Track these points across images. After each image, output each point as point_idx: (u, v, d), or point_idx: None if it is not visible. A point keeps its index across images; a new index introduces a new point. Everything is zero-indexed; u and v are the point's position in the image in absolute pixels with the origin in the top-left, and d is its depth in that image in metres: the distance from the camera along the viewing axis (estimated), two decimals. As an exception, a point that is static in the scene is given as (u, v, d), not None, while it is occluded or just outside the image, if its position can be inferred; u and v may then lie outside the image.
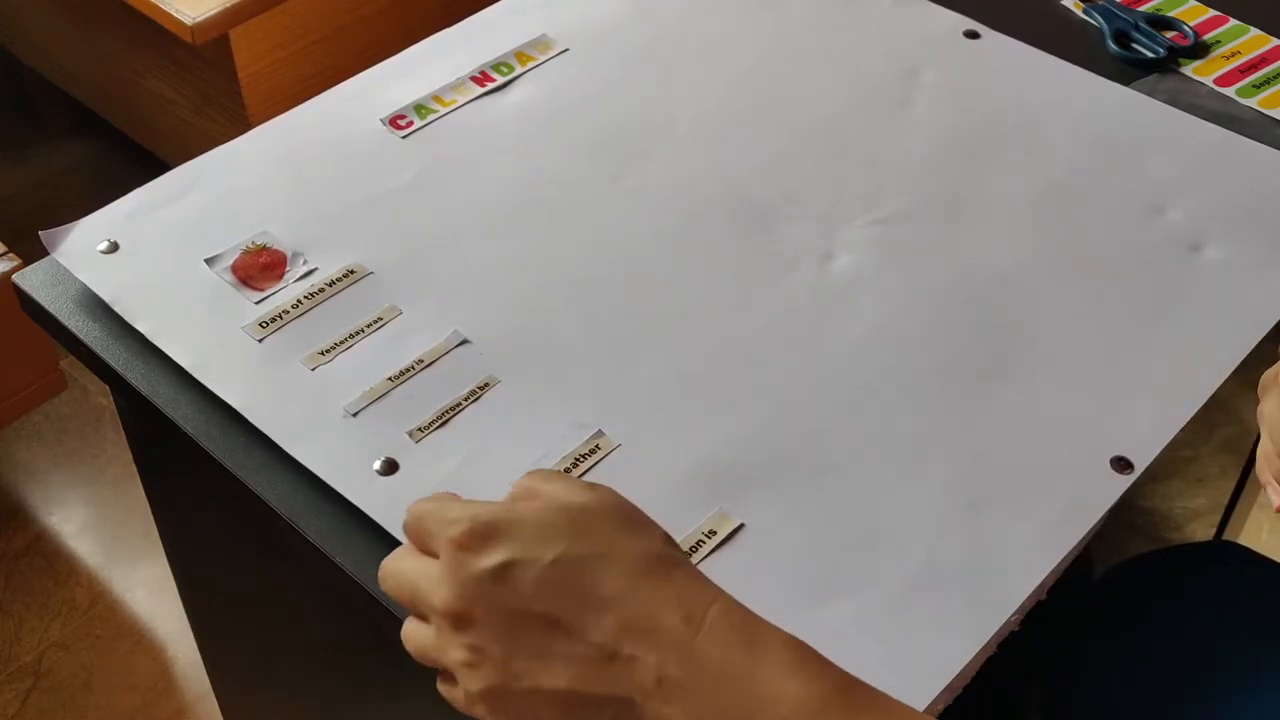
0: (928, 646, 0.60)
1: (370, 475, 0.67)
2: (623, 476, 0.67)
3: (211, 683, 1.09)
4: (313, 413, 0.70)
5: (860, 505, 0.66)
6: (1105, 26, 0.96)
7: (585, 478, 0.67)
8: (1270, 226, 0.81)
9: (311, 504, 0.66)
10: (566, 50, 0.93)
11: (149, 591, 1.53)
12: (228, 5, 1.45)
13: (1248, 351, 0.74)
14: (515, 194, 0.83)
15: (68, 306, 0.76)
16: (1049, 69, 0.93)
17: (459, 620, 0.48)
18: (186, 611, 0.99)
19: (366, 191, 0.83)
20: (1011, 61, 0.93)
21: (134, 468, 0.89)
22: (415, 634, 0.51)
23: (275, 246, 0.79)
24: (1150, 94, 0.91)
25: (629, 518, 0.51)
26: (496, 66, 0.92)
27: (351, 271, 0.77)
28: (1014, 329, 0.75)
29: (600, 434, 0.69)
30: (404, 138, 0.86)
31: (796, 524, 0.65)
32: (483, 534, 0.48)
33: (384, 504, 0.65)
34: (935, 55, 0.93)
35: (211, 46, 1.48)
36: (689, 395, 0.71)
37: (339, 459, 0.67)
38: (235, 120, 1.59)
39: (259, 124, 0.88)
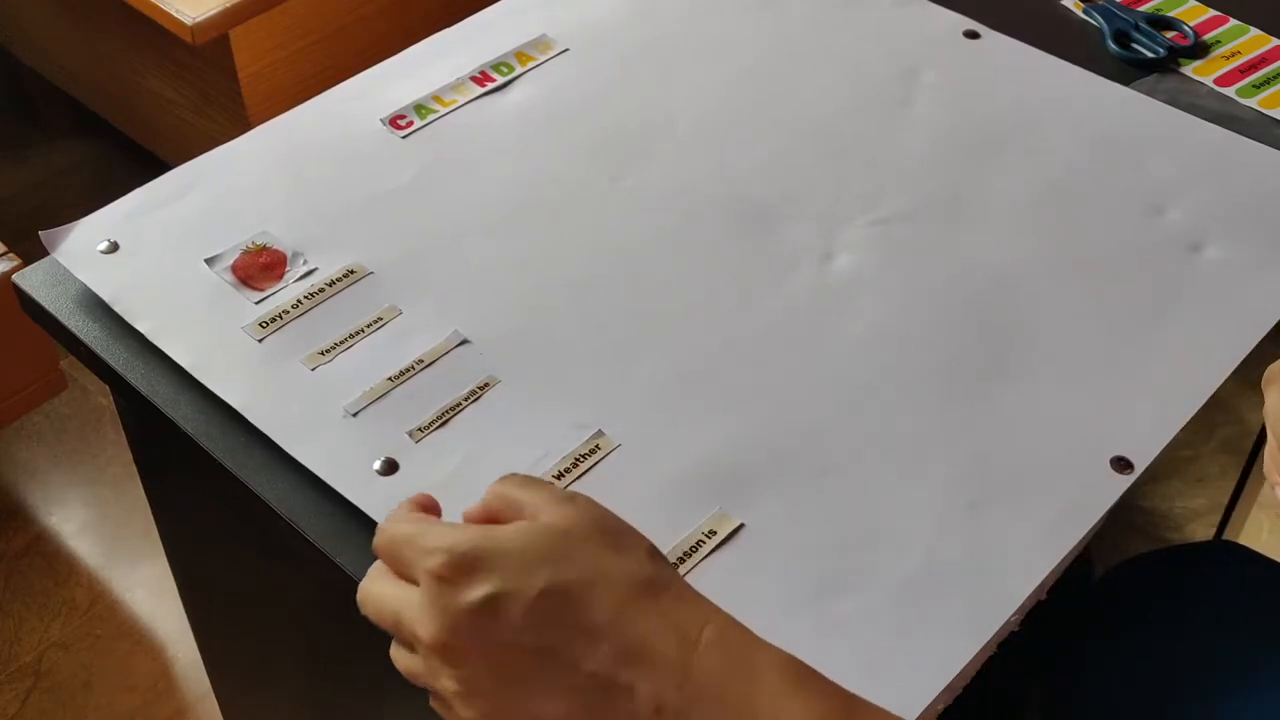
0: (928, 646, 0.60)
1: (370, 475, 0.67)
2: (623, 476, 0.67)
3: (211, 683, 1.09)
4: (313, 413, 0.70)
5: (860, 505, 0.66)
6: (1105, 26, 0.96)
7: (585, 478, 0.67)
8: (1270, 226, 0.81)
9: (311, 504, 0.66)
10: (566, 50, 0.93)
11: (149, 591, 1.53)
12: (228, 5, 1.45)
13: (1248, 351, 0.74)
14: (515, 194, 0.83)
15: (68, 306, 0.76)
16: (1049, 69, 0.93)
17: (447, 654, 0.47)
18: (186, 611, 0.99)
19: (366, 191, 0.83)
20: (1011, 61, 0.93)
21: (134, 468, 0.89)
22: (404, 660, 0.50)
23: (275, 246, 0.79)
24: (1150, 94, 0.91)
25: (613, 533, 0.50)
26: (496, 66, 0.92)
27: (351, 271, 0.77)
28: (1014, 329, 0.75)
29: (600, 434, 0.69)
30: (404, 138, 0.86)
31: (796, 524, 0.65)
32: (464, 566, 0.47)
33: (384, 504, 0.65)
34: (935, 55, 0.93)
35: (211, 46, 1.48)
36: (689, 395, 0.71)
37: (339, 459, 0.67)
38: (235, 120, 1.59)
39: (259, 124, 0.88)
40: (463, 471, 0.67)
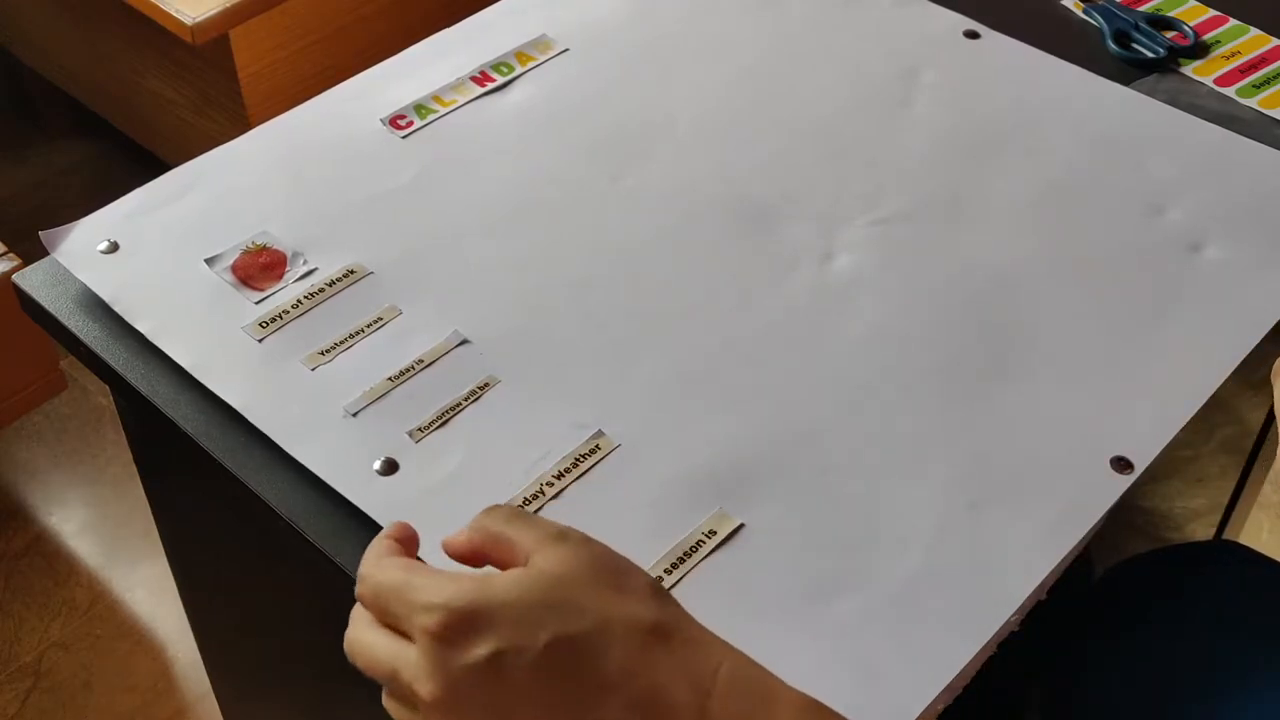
0: (928, 646, 0.60)
1: (370, 475, 0.67)
2: (623, 476, 0.67)
3: (211, 683, 1.09)
4: (313, 413, 0.70)
5: (860, 505, 0.66)
6: (1105, 26, 0.96)
7: (585, 478, 0.67)
8: (1270, 226, 0.81)
9: (311, 504, 0.66)
10: (566, 50, 0.93)
11: (149, 591, 1.53)
12: (228, 5, 1.45)
13: (1248, 351, 0.73)
14: (515, 194, 0.83)
15: (68, 306, 0.76)
16: (1049, 69, 0.93)
17: (450, 713, 0.45)
18: (186, 611, 0.99)
19: (366, 191, 0.83)
20: (1011, 61, 0.93)
21: (134, 468, 0.89)
22: (401, 713, 0.48)
23: (275, 246, 0.79)
24: (1150, 94, 0.91)
25: (613, 573, 0.48)
26: (496, 66, 0.92)
27: (351, 271, 0.77)
28: (1014, 329, 0.75)
29: (600, 434, 0.69)
30: (404, 138, 0.86)
31: (796, 524, 0.65)
32: (463, 624, 0.45)
33: (384, 504, 0.65)
34: (935, 55, 0.93)
35: (211, 46, 1.49)
36: (689, 395, 0.71)
37: (339, 459, 0.67)
38: (235, 120, 1.59)
39: (259, 124, 0.88)
40: (463, 471, 0.67)
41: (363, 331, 0.74)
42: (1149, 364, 0.73)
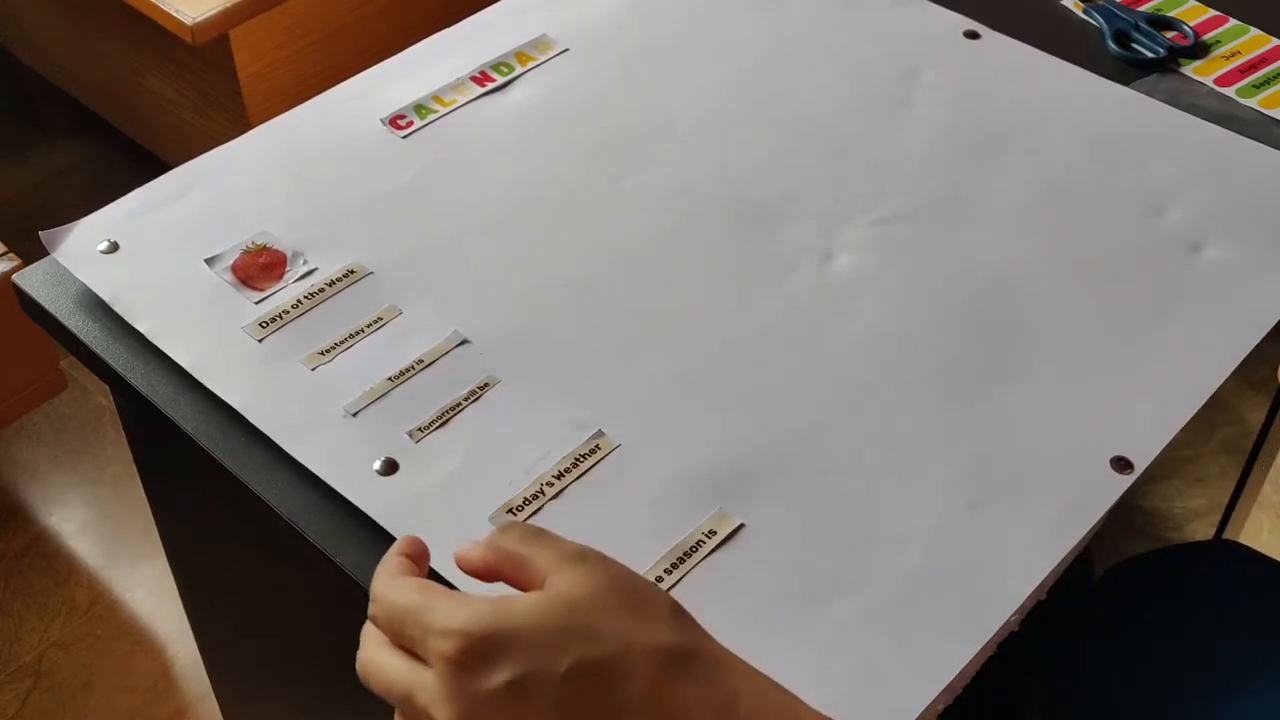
0: (928, 646, 0.60)
1: (370, 475, 0.67)
2: (623, 476, 0.67)
3: (211, 683, 1.08)
4: (313, 413, 0.70)
5: (860, 505, 0.66)
6: (1105, 26, 0.96)
7: (585, 478, 0.67)
8: (1270, 226, 0.81)
9: (311, 504, 0.66)
10: (566, 50, 0.93)
11: (149, 591, 1.53)
12: (228, 5, 1.45)
13: (1248, 351, 0.73)
14: (515, 194, 0.83)
15: (68, 306, 0.76)
16: (1049, 69, 0.93)
17: None
18: (186, 611, 0.99)
19: (366, 191, 0.83)
20: (1011, 61, 0.93)
21: (134, 468, 0.89)
22: None
23: (275, 246, 0.79)
24: (1150, 94, 0.91)
25: (633, 594, 0.47)
26: (496, 66, 0.92)
27: (351, 271, 0.77)
28: (1014, 329, 0.75)
29: (600, 434, 0.69)
30: (404, 138, 0.86)
31: (796, 524, 0.65)
32: (482, 649, 0.44)
33: (384, 504, 0.65)
34: (935, 55, 0.93)
35: (211, 46, 1.49)
36: (689, 395, 0.71)
37: (339, 459, 0.67)
38: (235, 120, 1.59)
39: (259, 124, 0.88)
40: (463, 471, 0.67)
41: (363, 331, 0.74)
42: (1149, 364, 0.73)
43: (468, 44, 0.94)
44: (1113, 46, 0.95)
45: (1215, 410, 0.73)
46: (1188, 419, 0.70)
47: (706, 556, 0.64)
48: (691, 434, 0.69)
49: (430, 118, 0.88)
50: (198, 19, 1.43)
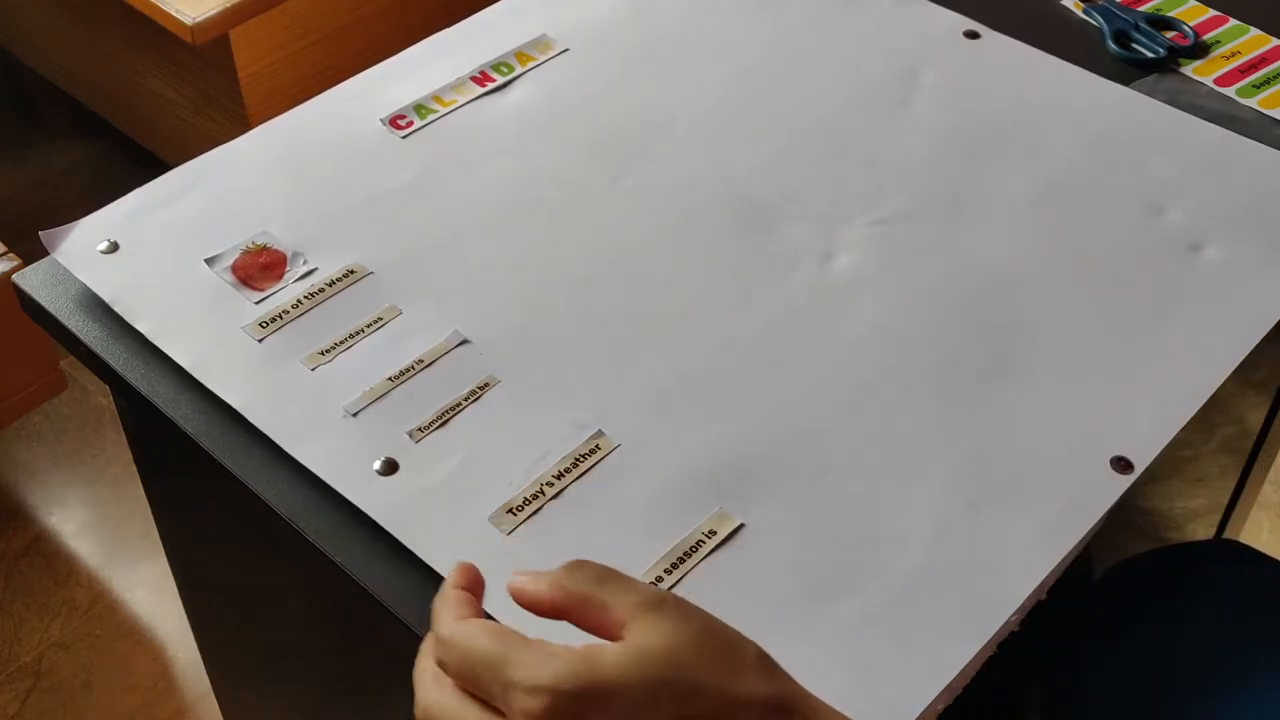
0: (928, 646, 0.60)
1: (370, 475, 0.67)
2: (623, 476, 0.67)
3: (211, 683, 1.09)
4: (313, 413, 0.70)
5: (860, 505, 0.66)
6: (1105, 26, 0.96)
7: (585, 478, 0.67)
8: (1270, 226, 0.81)
9: (311, 504, 0.66)
10: (566, 50, 0.93)
11: (149, 591, 1.53)
12: (228, 5, 1.45)
13: (1248, 351, 0.73)
14: (515, 194, 0.83)
15: (68, 306, 0.76)
16: (1049, 69, 0.93)
17: None
18: (186, 611, 0.99)
19: (366, 191, 0.83)
20: (1011, 61, 0.93)
21: (134, 468, 0.89)
22: None
23: (275, 246, 0.79)
24: (1150, 94, 0.91)
25: (722, 642, 0.45)
26: (496, 66, 0.92)
27: (351, 271, 0.77)
28: (1014, 329, 0.75)
29: (600, 434, 0.69)
30: (404, 138, 0.86)
31: (796, 524, 0.65)
32: (573, 709, 0.41)
33: (384, 504, 0.65)
34: (935, 55, 0.93)
35: (211, 46, 1.49)
36: (689, 395, 0.71)
37: (339, 459, 0.67)
38: (235, 120, 1.59)
39: (259, 124, 0.88)
40: (463, 471, 0.67)
41: (363, 331, 0.74)
42: (1149, 364, 0.73)
43: (468, 44, 0.94)
44: (1113, 46, 0.95)
45: (1215, 410, 0.73)
46: (1188, 419, 0.70)
47: (706, 556, 0.64)
48: (691, 434, 0.69)
49: (430, 118, 0.88)
50: (198, 19, 1.43)
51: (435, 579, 0.62)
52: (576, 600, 0.46)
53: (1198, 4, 0.99)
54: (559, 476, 0.67)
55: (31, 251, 0.87)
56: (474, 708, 0.44)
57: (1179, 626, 0.79)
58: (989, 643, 0.61)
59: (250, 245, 0.79)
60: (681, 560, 0.63)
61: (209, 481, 0.70)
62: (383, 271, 0.77)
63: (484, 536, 0.64)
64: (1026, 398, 0.71)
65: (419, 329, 0.74)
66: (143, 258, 0.78)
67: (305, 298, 0.76)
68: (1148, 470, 0.68)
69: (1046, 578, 0.63)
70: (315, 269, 0.77)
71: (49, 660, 1.47)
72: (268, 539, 0.68)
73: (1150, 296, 0.77)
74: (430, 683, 0.46)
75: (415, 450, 0.68)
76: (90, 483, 1.65)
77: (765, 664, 0.45)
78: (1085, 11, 0.98)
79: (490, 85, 0.90)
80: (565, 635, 0.46)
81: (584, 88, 0.91)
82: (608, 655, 0.43)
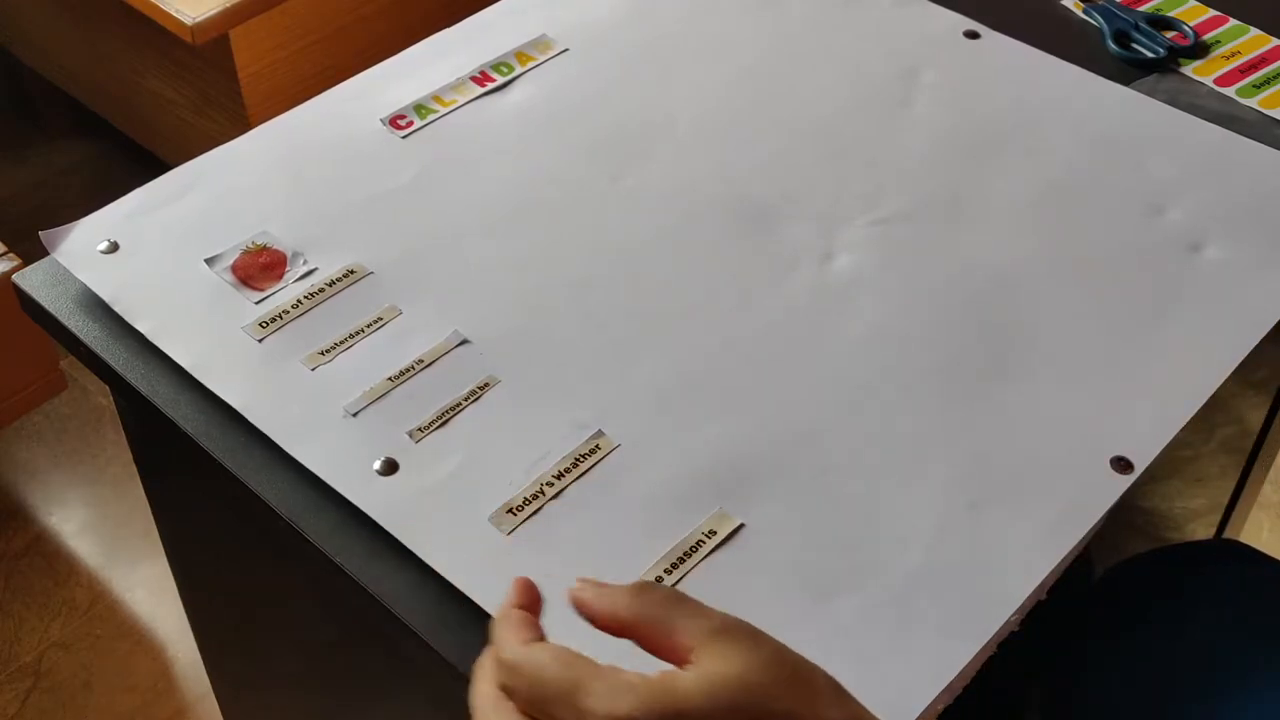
0: (928, 646, 0.60)
1: (370, 475, 0.67)
2: (623, 476, 0.67)
3: (211, 683, 1.09)
4: (313, 413, 0.70)
5: (860, 505, 0.66)
6: (1105, 26, 0.96)
7: (585, 478, 0.67)
8: (1270, 226, 0.81)
9: (311, 504, 0.66)
10: (566, 50, 0.93)
11: (149, 591, 1.53)
12: (228, 5, 1.45)
13: (1248, 351, 0.74)
14: (515, 194, 0.83)
15: (68, 306, 0.76)
16: (1049, 69, 0.93)
17: None
18: (186, 611, 0.99)
19: (366, 191, 0.83)
20: (1011, 61, 0.93)
21: (134, 468, 0.89)
22: None
23: (275, 246, 0.79)
24: (1150, 94, 0.91)
25: (793, 668, 0.44)
26: (496, 66, 0.92)
27: (351, 271, 0.77)
28: (1014, 329, 0.75)
29: (600, 434, 0.69)
30: (404, 138, 0.86)
31: (796, 524, 0.65)
32: None
33: (384, 504, 0.65)
34: (935, 55, 0.93)
35: (211, 46, 1.49)
36: (689, 395, 0.71)
37: (339, 459, 0.67)
38: (235, 120, 1.59)
39: (259, 124, 0.88)
40: (463, 471, 0.67)
41: (363, 331, 0.74)
42: (1149, 364, 0.73)
43: (468, 44, 0.94)
44: (1113, 46, 0.95)
45: (1215, 410, 0.73)
46: (1188, 419, 0.70)
47: (706, 556, 0.64)
48: (691, 434, 0.69)
49: (430, 118, 0.88)
50: (198, 19, 1.43)
51: (435, 579, 0.62)
52: (644, 621, 0.45)
53: (1198, 4, 0.99)
54: (559, 476, 0.67)
55: (31, 251, 0.87)
56: None
57: (1179, 626, 0.79)
58: (989, 643, 0.61)
59: (250, 245, 0.79)
60: (681, 560, 0.63)
61: (209, 481, 0.70)
62: (383, 271, 0.77)
63: (484, 536, 0.64)
64: (1026, 398, 0.71)
65: (419, 329, 0.74)
66: (143, 258, 0.78)
67: (305, 298, 0.76)
68: (1148, 470, 0.68)
69: (1046, 578, 0.63)
70: (315, 269, 0.77)
71: (49, 660, 1.47)
72: (268, 539, 0.68)
73: (1150, 296, 0.77)
74: (491, 710, 0.45)
75: (415, 450, 0.68)
76: (90, 483, 1.65)
77: (836, 690, 0.45)
78: (1085, 11, 0.98)
79: (490, 85, 0.90)
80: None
81: (584, 88, 0.91)
82: (684, 683, 0.42)
